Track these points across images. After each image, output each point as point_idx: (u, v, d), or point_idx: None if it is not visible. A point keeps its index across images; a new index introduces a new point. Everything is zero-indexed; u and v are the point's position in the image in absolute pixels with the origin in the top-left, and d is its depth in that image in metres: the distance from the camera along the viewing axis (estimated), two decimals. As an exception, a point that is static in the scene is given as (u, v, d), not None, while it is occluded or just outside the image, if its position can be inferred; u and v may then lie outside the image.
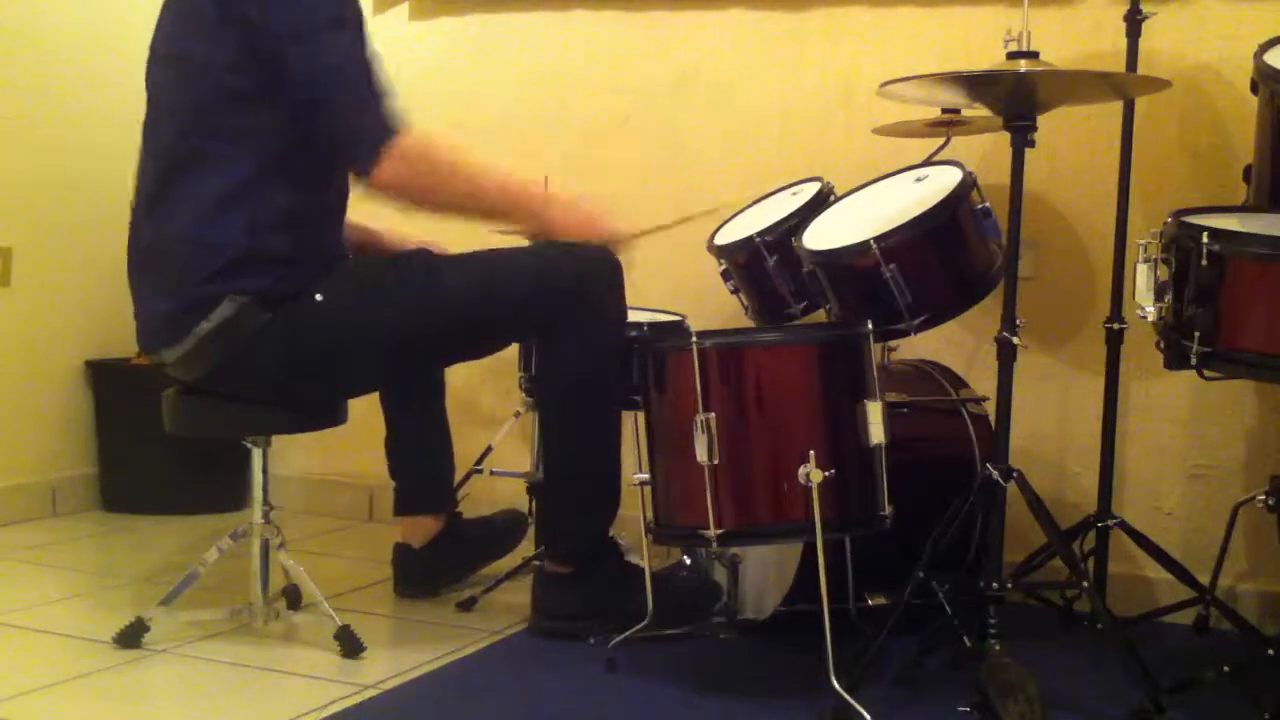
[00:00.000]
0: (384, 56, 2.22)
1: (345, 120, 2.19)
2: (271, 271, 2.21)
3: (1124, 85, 2.44)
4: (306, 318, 2.24)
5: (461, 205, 2.34)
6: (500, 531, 2.85)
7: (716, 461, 2.07)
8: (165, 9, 2.30)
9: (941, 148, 2.67)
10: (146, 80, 2.32)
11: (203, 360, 2.25)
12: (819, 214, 2.50)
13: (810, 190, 2.69)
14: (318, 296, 2.24)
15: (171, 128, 2.23)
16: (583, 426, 2.41)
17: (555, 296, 2.36)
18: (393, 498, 2.75)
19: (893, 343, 2.61)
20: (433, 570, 2.72)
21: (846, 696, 1.97)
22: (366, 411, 2.63)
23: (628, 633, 2.35)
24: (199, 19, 2.18)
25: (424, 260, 2.37)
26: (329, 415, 2.43)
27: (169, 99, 2.26)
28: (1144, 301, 2.01)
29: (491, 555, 2.81)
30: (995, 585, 2.13)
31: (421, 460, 2.74)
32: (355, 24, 2.22)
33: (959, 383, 2.63)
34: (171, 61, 2.26)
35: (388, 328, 2.30)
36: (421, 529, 2.71)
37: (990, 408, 2.36)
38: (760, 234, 2.58)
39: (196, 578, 2.37)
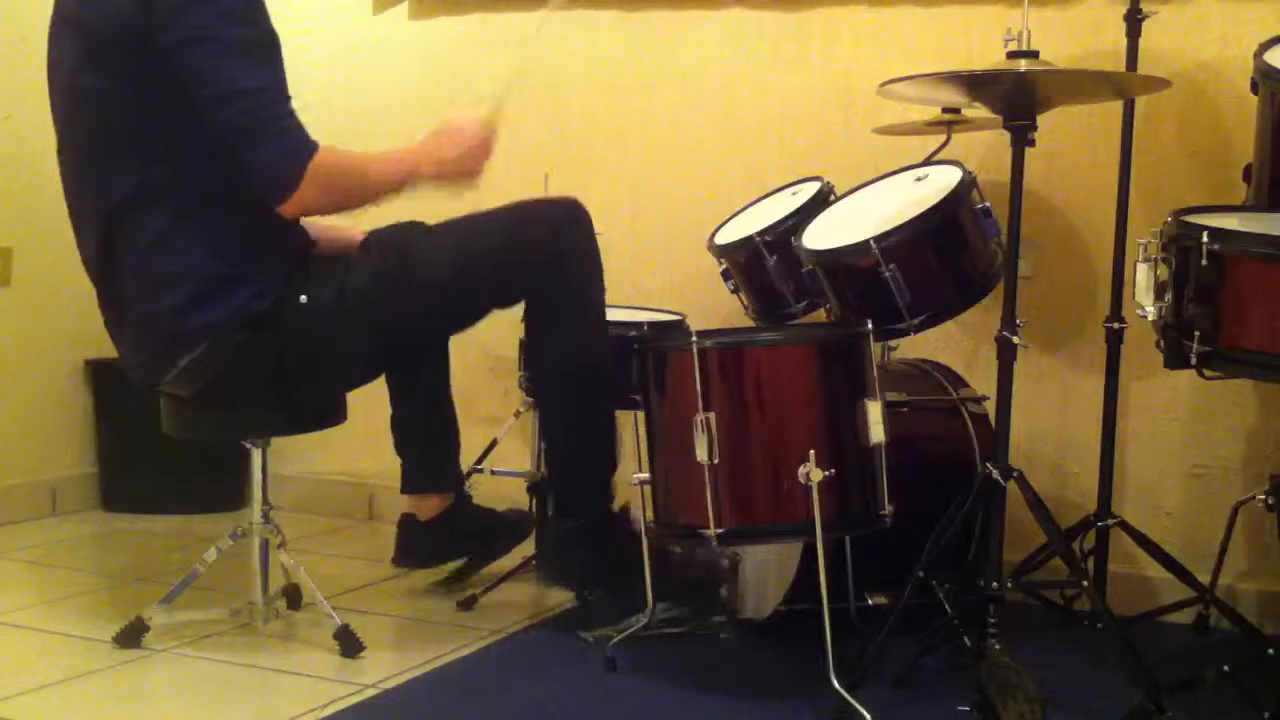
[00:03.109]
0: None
1: (256, 166, 2.13)
2: (242, 290, 2.20)
3: (1124, 85, 2.44)
4: (294, 321, 2.24)
5: (374, 198, 2.30)
6: (507, 524, 2.83)
7: (716, 461, 2.07)
8: (54, 38, 2.27)
9: (941, 147, 2.67)
10: (54, 115, 2.28)
11: (193, 382, 2.25)
12: (819, 214, 2.50)
13: (810, 190, 2.69)
14: (302, 299, 2.24)
15: (96, 175, 2.20)
16: (582, 378, 2.44)
17: (530, 251, 2.36)
18: (400, 473, 2.73)
19: (893, 342, 2.61)
20: (434, 544, 2.71)
21: (846, 696, 1.97)
22: (367, 411, 2.63)
23: (627, 632, 2.35)
24: (97, 52, 2.15)
25: (394, 241, 2.36)
26: (329, 415, 2.43)
27: (81, 139, 2.23)
28: (1144, 301, 2.01)
29: (493, 545, 2.80)
30: (995, 585, 2.13)
31: (426, 438, 2.72)
32: (267, 44, 2.17)
33: (959, 382, 2.63)
34: (76, 94, 2.22)
35: (374, 317, 2.30)
36: (428, 505, 2.69)
37: (990, 407, 2.36)
38: (760, 233, 2.58)
39: (197, 577, 2.37)
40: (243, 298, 2.19)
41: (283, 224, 2.23)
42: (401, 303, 2.31)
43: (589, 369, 2.44)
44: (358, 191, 2.26)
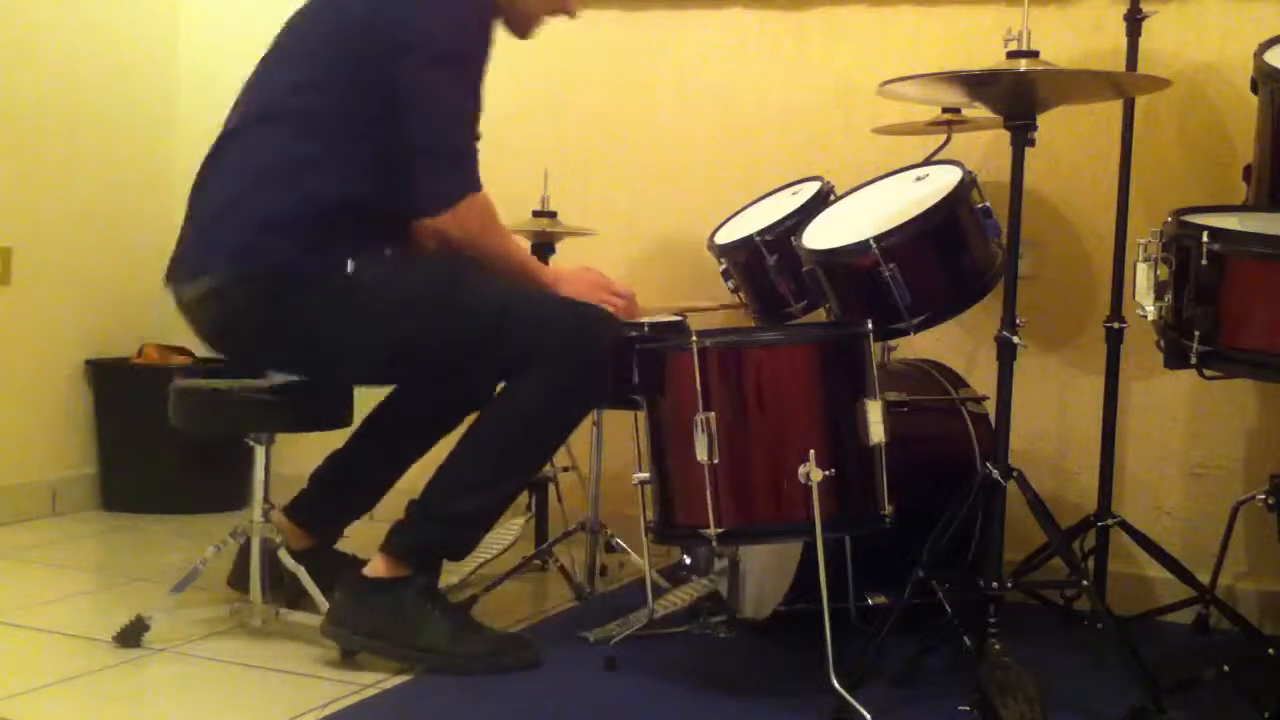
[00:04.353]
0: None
1: (440, 168, 2.29)
2: (330, 251, 2.25)
3: (1124, 84, 2.44)
4: (335, 283, 2.26)
5: (495, 259, 2.38)
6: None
7: (716, 461, 2.07)
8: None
9: (941, 147, 2.67)
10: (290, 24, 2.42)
11: (226, 303, 2.27)
12: (819, 213, 2.50)
13: (810, 190, 2.69)
14: (349, 265, 2.26)
15: (285, 70, 2.36)
16: (508, 453, 2.33)
17: (554, 333, 2.30)
18: (297, 494, 2.61)
19: (893, 342, 2.61)
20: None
21: (847, 696, 1.97)
22: (367, 411, 2.63)
23: (627, 632, 2.35)
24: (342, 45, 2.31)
25: (454, 264, 2.36)
26: (333, 415, 2.43)
27: (301, 49, 2.37)
28: (1144, 301, 2.01)
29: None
30: (995, 584, 2.13)
31: (347, 492, 2.62)
32: (478, 64, 2.32)
33: (959, 382, 2.63)
34: (321, 27, 2.36)
35: (403, 310, 2.29)
36: (296, 536, 2.52)
37: (990, 407, 2.36)
38: (760, 233, 2.58)
39: (198, 574, 2.37)
40: (322, 260, 2.25)
41: (400, 226, 2.33)
42: (432, 310, 2.31)
43: (524, 445, 2.34)
44: (493, 247, 2.37)
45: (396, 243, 2.36)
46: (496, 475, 2.31)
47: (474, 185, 2.32)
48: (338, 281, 2.26)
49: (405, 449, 2.60)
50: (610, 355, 2.34)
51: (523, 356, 2.28)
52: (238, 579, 2.48)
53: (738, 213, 2.84)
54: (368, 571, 2.27)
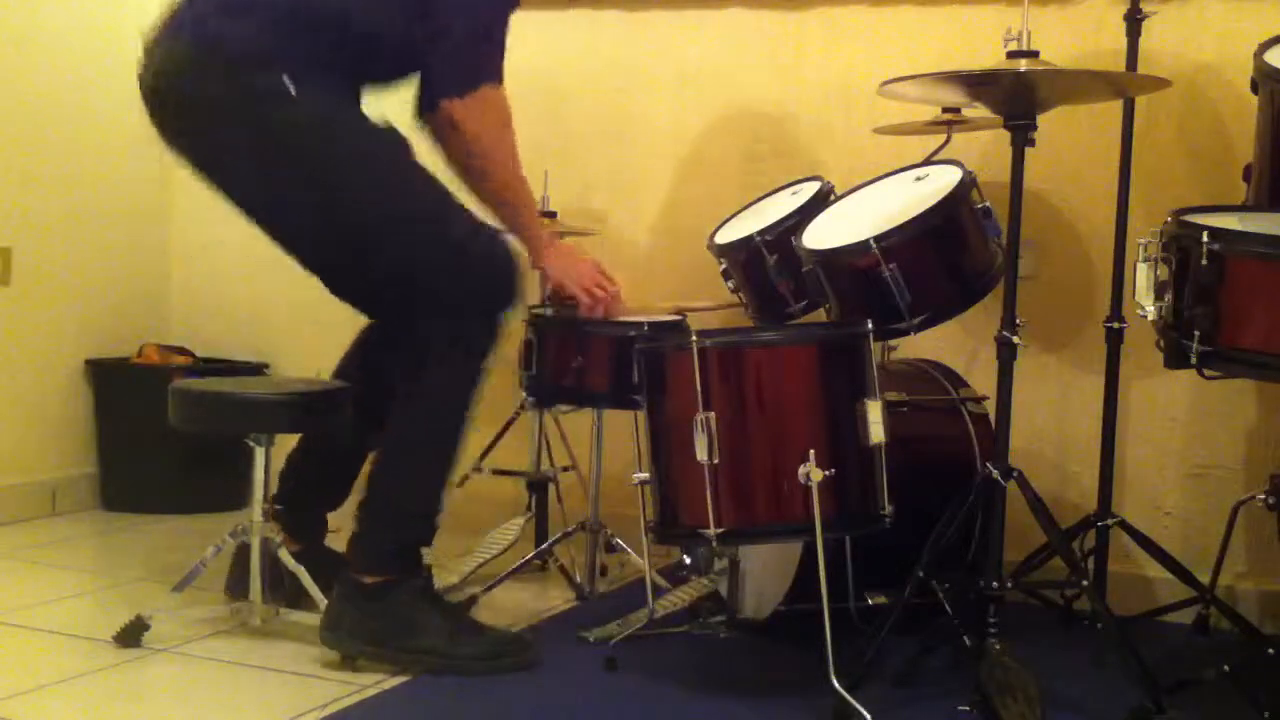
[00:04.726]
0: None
1: (461, 49, 2.24)
2: (272, 48, 2.19)
3: (1124, 85, 2.44)
4: (271, 98, 2.17)
5: (504, 183, 2.32)
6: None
7: (717, 461, 2.07)
8: None
9: (941, 147, 2.67)
10: None
11: (200, 77, 2.20)
12: (819, 213, 2.50)
13: (810, 190, 2.69)
14: (289, 84, 2.17)
15: None
16: (434, 424, 2.29)
17: (468, 285, 2.25)
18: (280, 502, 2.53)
19: (893, 342, 2.61)
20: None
21: (846, 696, 1.97)
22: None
23: (628, 632, 2.35)
24: None
25: (404, 159, 2.28)
26: (334, 415, 2.43)
27: None
28: (1144, 301, 2.01)
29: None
30: (995, 584, 2.13)
31: (313, 486, 2.60)
32: None
33: (959, 382, 2.63)
34: None
35: (335, 165, 2.23)
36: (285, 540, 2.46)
37: (990, 407, 2.36)
38: (760, 233, 2.58)
39: (199, 574, 2.37)
40: (260, 62, 2.18)
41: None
42: (361, 178, 2.25)
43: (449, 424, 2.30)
44: (505, 152, 2.30)
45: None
46: (432, 449, 2.28)
47: (498, 75, 2.27)
48: (273, 95, 2.17)
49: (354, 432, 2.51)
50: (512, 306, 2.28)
51: (432, 293, 2.24)
52: (234, 585, 2.47)
53: (738, 213, 2.84)
54: (356, 579, 2.25)
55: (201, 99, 2.23)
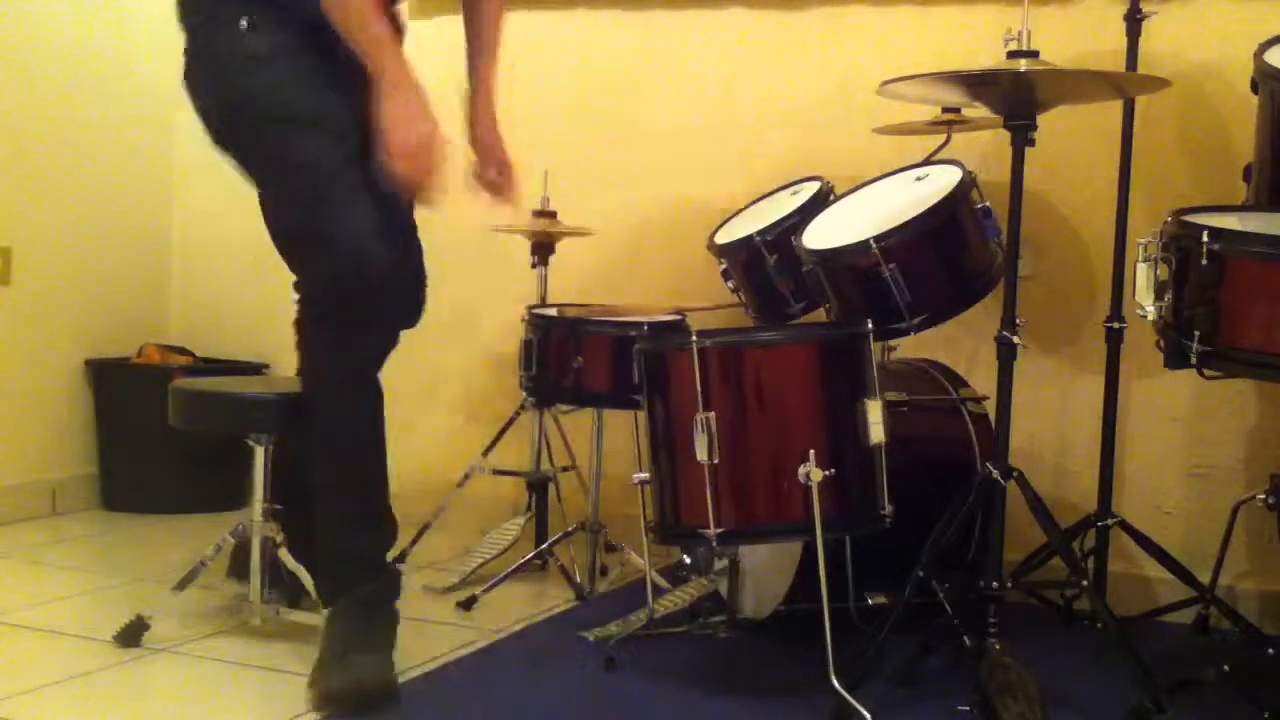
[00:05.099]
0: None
1: None
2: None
3: (1124, 85, 2.44)
4: (224, 35, 2.17)
5: (360, 20, 2.16)
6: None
7: (716, 461, 2.07)
8: None
9: (941, 147, 2.67)
10: None
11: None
12: (819, 213, 2.50)
13: (810, 190, 2.69)
14: (243, 23, 2.15)
15: None
16: (334, 449, 2.20)
17: (328, 289, 2.16)
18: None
19: (893, 342, 2.61)
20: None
21: (846, 695, 1.97)
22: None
23: (627, 632, 2.35)
24: None
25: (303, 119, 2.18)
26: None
27: None
28: (1144, 301, 2.01)
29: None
30: (995, 584, 2.13)
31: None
32: None
33: (959, 382, 2.63)
34: None
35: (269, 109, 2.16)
36: None
37: (990, 407, 2.36)
38: (760, 233, 2.58)
39: (199, 574, 2.37)
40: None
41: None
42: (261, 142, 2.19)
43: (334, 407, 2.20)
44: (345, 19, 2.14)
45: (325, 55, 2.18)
46: (347, 475, 2.20)
47: None
48: (228, 30, 2.16)
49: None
50: (376, 297, 2.11)
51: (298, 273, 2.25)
52: (236, 569, 2.46)
53: (738, 213, 2.84)
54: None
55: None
